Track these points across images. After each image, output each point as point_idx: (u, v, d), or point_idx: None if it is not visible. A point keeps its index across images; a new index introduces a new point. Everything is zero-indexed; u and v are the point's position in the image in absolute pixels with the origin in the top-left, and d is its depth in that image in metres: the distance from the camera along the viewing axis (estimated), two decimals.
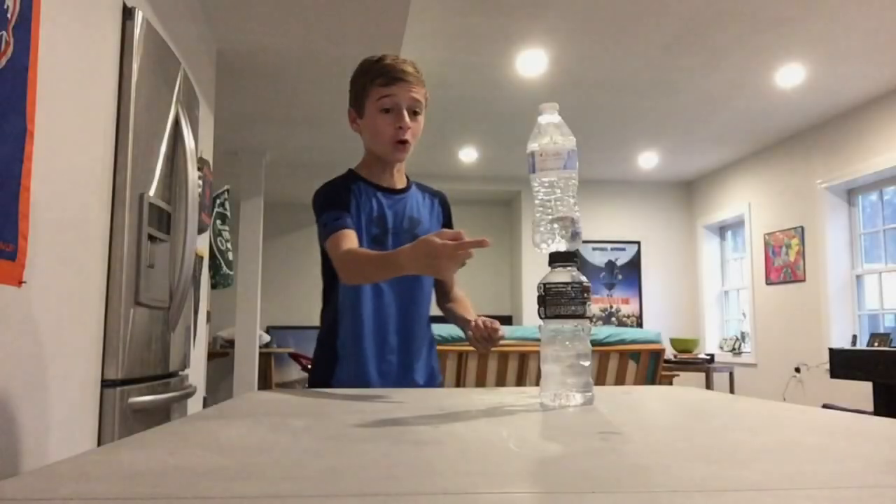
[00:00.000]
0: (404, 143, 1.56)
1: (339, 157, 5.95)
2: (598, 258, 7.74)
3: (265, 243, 5.91)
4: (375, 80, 1.56)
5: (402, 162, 1.65)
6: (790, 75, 4.71)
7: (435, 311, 1.75)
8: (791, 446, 0.63)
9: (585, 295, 0.95)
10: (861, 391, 5.06)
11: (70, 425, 1.72)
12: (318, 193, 1.61)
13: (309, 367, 1.84)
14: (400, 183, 1.68)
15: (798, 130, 6.06)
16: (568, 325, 0.93)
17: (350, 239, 1.49)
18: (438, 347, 3.41)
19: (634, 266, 7.81)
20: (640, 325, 7.70)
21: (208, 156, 3.55)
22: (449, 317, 1.76)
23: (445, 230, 1.27)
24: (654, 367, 3.85)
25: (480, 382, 3.64)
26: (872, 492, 0.45)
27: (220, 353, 6.45)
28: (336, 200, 1.57)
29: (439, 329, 3.58)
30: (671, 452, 0.59)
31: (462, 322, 1.67)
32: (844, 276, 5.73)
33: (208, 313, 5.36)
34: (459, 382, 3.61)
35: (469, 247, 1.19)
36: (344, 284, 1.55)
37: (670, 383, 4.61)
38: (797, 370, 6.04)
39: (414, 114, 1.57)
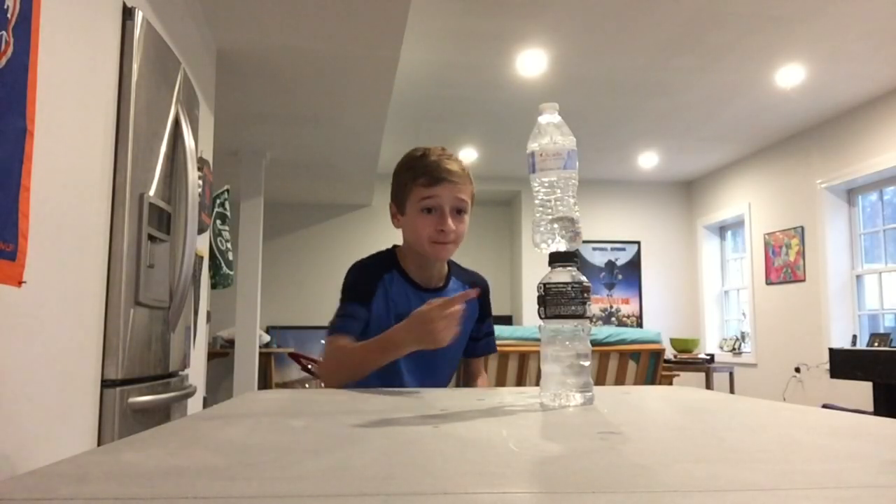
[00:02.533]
0: (445, 243, 1.50)
1: (339, 157, 5.95)
2: (598, 258, 7.74)
3: (265, 243, 5.91)
4: (418, 178, 1.49)
5: (443, 261, 1.58)
6: (790, 75, 4.71)
7: None
8: (791, 446, 0.63)
9: (585, 295, 0.95)
10: (861, 391, 5.06)
11: (70, 425, 1.72)
12: (351, 271, 1.55)
13: (309, 367, 1.84)
14: (437, 279, 1.60)
15: (798, 130, 6.06)
16: (568, 325, 0.93)
17: (343, 343, 1.44)
18: None
19: (634, 266, 7.81)
20: (640, 325, 7.70)
21: (208, 156, 3.55)
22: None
23: (434, 301, 1.27)
24: (654, 367, 3.85)
25: None
26: (872, 492, 0.45)
27: (220, 353, 6.45)
28: (361, 290, 1.51)
29: None
30: (671, 452, 0.59)
31: None
32: (844, 276, 5.73)
33: (208, 313, 5.36)
34: (459, 383, 3.61)
35: (456, 302, 1.20)
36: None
37: (670, 383, 4.61)
38: (797, 370, 6.04)
39: (458, 212, 1.51)
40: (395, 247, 1.62)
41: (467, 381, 1.75)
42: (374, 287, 1.51)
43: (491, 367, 3.63)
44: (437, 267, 1.59)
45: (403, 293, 1.54)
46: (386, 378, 1.49)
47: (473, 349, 1.69)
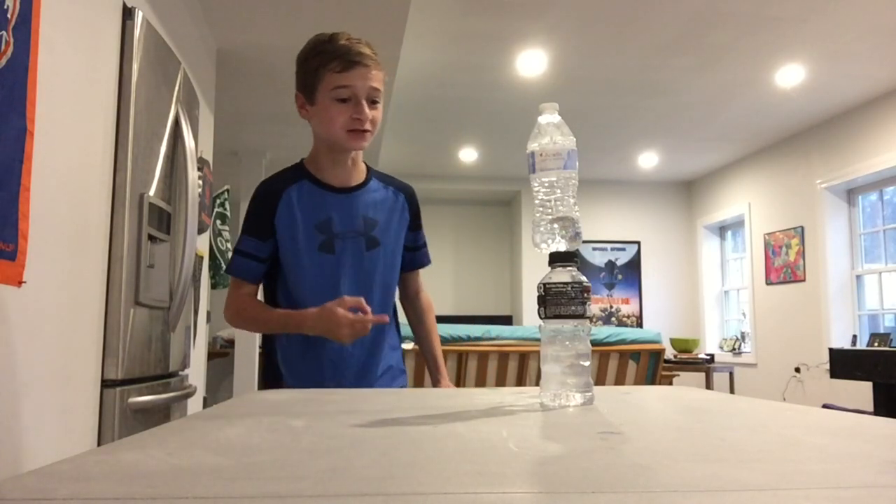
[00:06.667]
0: (363, 132, 1.41)
1: None
2: (598, 258, 7.74)
3: None
4: (329, 64, 1.39)
5: (358, 151, 1.48)
6: (790, 75, 4.71)
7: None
8: (791, 446, 0.63)
9: (585, 295, 0.95)
10: (861, 391, 5.06)
11: (70, 425, 1.72)
12: (253, 195, 1.50)
13: None
14: (355, 178, 1.51)
15: (798, 130, 6.06)
16: (568, 325, 0.93)
17: (246, 295, 1.45)
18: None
19: (634, 266, 7.81)
20: (640, 325, 7.70)
21: (208, 156, 3.55)
22: (415, 335, 1.70)
23: (347, 298, 1.31)
24: (654, 367, 3.85)
25: (480, 382, 3.64)
26: (872, 492, 0.45)
27: (220, 353, 6.44)
28: (257, 223, 1.45)
29: (438, 329, 3.57)
30: (671, 452, 0.59)
31: (431, 368, 1.67)
32: (844, 276, 5.73)
33: (208, 313, 5.36)
34: (459, 382, 3.61)
35: (368, 322, 1.27)
36: (287, 288, 1.47)
37: (670, 383, 4.61)
38: (797, 370, 6.04)
39: (372, 103, 1.41)
40: (302, 160, 1.55)
41: (408, 298, 1.68)
42: (270, 213, 1.45)
43: (491, 367, 3.63)
44: (351, 158, 1.49)
45: (318, 200, 1.47)
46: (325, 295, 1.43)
47: (412, 261, 1.62)
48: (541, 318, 0.96)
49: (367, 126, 1.41)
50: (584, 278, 0.96)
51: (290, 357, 1.49)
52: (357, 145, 1.44)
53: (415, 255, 1.62)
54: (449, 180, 7.55)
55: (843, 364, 4.32)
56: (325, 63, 1.40)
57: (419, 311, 1.69)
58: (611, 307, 7.72)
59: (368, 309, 1.29)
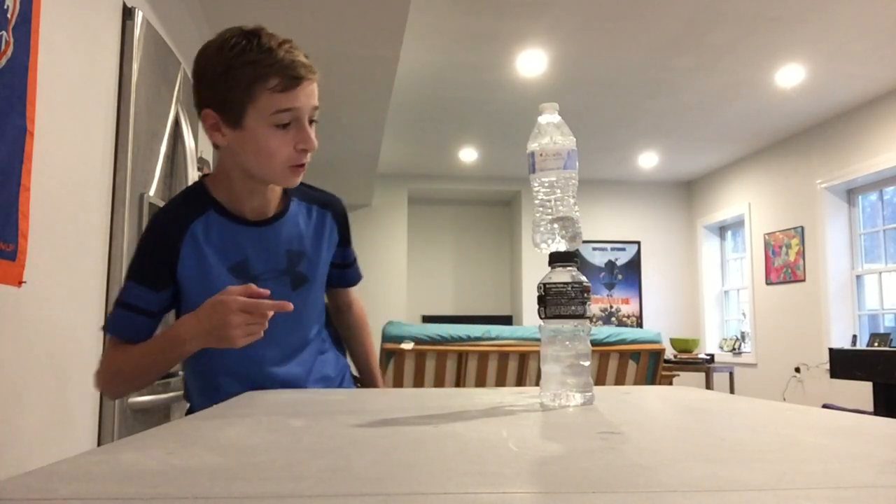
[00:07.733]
0: (304, 165, 1.16)
1: (339, 157, 5.95)
2: (598, 258, 7.74)
3: None
4: (266, 80, 1.09)
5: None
6: (790, 75, 4.72)
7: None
8: (791, 446, 0.63)
9: (585, 295, 0.95)
10: (861, 391, 5.06)
11: (70, 425, 1.72)
12: (146, 229, 1.21)
13: None
14: (273, 204, 1.25)
15: (798, 130, 6.06)
16: (568, 325, 0.93)
17: (122, 352, 1.15)
18: (437, 347, 3.37)
19: (634, 266, 7.81)
20: (640, 325, 7.70)
21: (208, 156, 3.54)
22: (350, 353, 1.50)
23: (232, 287, 1.02)
24: (654, 367, 3.85)
25: (480, 382, 3.64)
26: (872, 492, 0.45)
27: None
28: (152, 268, 1.16)
29: (439, 329, 3.58)
30: (671, 452, 0.59)
31: (369, 384, 1.50)
32: (844, 276, 5.73)
33: None
34: (459, 382, 3.61)
35: (265, 307, 0.99)
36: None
37: (670, 383, 4.61)
38: (797, 370, 6.04)
39: (310, 122, 1.16)
40: (204, 177, 1.27)
41: (339, 312, 1.49)
42: (170, 256, 1.17)
43: (491, 367, 3.63)
44: (271, 190, 1.23)
45: (230, 237, 1.20)
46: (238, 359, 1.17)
47: (342, 277, 1.43)
48: (541, 318, 0.96)
49: (308, 158, 1.16)
50: (584, 278, 0.96)
51: (198, 396, 1.27)
52: (296, 182, 1.19)
53: (344, 273, 1.43)
54: (449, 180, 7.55)
55: (843, 364, 4.32)
56: (260, 79, 1.09)
57: (353, 327, 1.50)
58: (611, 307, 7.72)
59: (266, 293, 1.02)
